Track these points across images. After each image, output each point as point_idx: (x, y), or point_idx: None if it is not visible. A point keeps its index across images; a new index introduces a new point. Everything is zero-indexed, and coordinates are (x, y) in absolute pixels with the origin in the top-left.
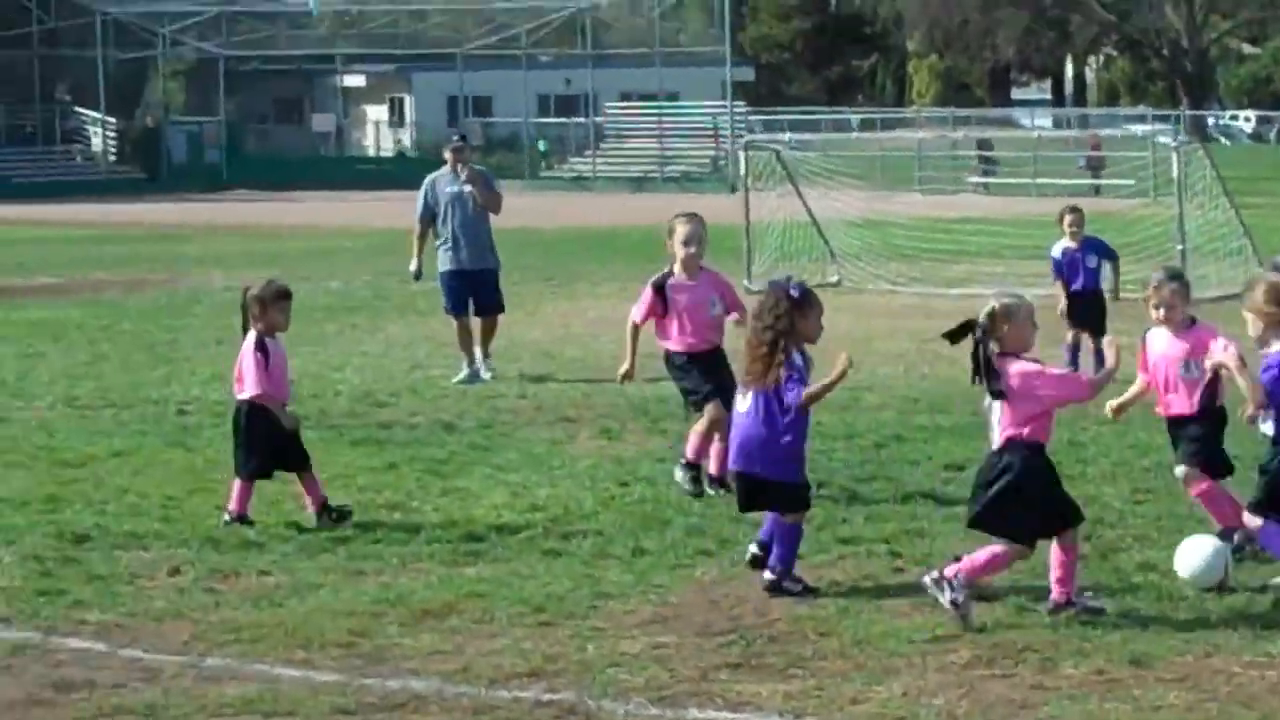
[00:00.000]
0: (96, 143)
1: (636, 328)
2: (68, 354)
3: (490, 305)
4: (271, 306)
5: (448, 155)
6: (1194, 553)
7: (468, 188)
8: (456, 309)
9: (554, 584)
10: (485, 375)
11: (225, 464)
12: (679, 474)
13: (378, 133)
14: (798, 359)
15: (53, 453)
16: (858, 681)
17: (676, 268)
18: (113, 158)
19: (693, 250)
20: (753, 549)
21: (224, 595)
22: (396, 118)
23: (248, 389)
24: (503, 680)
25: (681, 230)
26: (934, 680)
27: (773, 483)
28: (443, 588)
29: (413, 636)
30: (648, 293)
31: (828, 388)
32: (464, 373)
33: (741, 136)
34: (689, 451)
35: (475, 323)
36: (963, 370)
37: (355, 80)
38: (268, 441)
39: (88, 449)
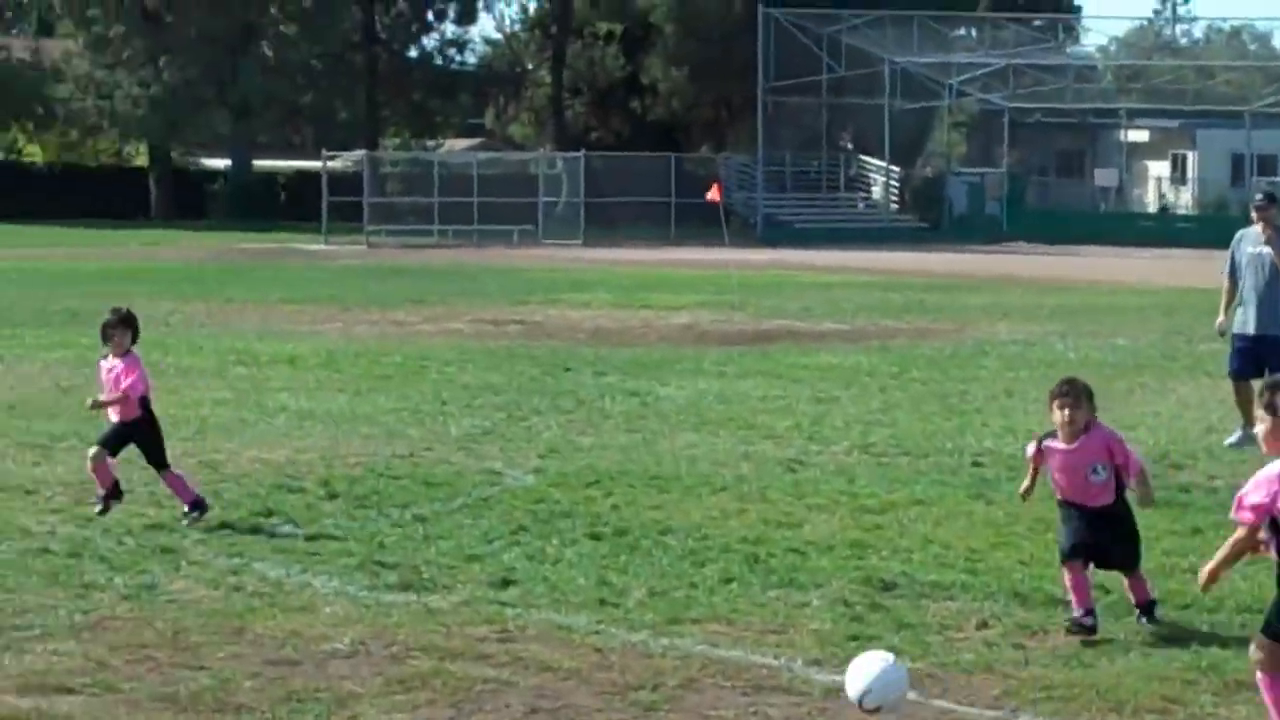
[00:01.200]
0: (878, 191)
1: None
2: (860, 400)
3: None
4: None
5: (1253, 213)
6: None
7: (1266, 249)
8: (1239, 373)
9: None
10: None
11: (1025, 519)
12: None
13: (1159, 189)
14: None
15: (854, 498)
16: None
17: None
18: (894, 206)
19: None
20: None
21: (1032, 652)
22: (1179, 174)
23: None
24: None
25: None
26: None
27: None
28: None
29: (1227, 707)
30: None
31: None
32: (1237, 434)
33: None
34: None
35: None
36: None
37: (1138, 135)
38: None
39: (888, 496)
